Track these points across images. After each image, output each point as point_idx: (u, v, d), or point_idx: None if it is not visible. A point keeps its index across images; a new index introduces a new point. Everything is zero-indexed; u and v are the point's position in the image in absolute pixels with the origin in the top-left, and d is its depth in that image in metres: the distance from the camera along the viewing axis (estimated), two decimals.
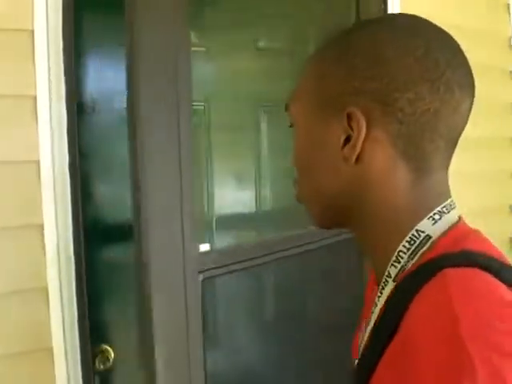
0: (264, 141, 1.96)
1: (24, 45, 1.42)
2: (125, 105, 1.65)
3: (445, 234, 0.65)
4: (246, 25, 1.91)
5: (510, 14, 2.30)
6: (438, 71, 0.63)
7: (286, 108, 0.78)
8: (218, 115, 1.85)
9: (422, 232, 0.65)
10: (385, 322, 0.63)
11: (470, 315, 0.53)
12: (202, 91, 1.83)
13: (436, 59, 0.64)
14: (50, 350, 1.50)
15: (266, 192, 2.00)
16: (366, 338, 0.71)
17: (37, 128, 1.44)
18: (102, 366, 1.67)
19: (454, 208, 0.68)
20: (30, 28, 1.42)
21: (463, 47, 0.68)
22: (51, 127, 1.45)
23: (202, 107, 1.84)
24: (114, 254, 1.72)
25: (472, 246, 0.63)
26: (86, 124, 1.62)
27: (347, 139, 0.67)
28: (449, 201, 0.68)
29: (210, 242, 1.69)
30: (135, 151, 1.21)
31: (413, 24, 0.68)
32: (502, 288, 0.57)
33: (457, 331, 0.51)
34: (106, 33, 1.65)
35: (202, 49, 1.82)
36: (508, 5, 2.33)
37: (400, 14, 0.73)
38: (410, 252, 0.66)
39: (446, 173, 0.70)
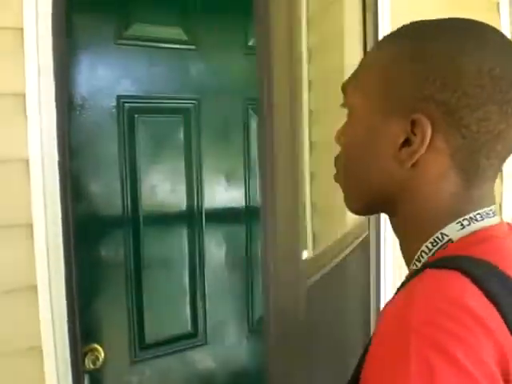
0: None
1: (13, 42, 1.41)
2: (113, 103, 1.67)
3: (464, 238, 0.66)
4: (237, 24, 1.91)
5: (499, 13, 2.31)
6: (509, 94, 0.63)
7: (343, 90, 0.76)
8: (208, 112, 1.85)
9: (446, 235, 0.67)
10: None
11: (423, 314, 0.54)
12: (193, 89, 1.83)
13: (510, 82, 0.63)
14: (39, 350, 1.48)
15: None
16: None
17: (26, 126, 1.43)
18: (91, 366, 1.66)
19: (490, 216, 0.68)
20: (20, 26, 1.40)
21: None
22: (41, 125, 1.44)
23: (193, 104, 1.84)
24: (105, 252, 1.71)
25: (474, 252, 0.63)
26: (76, 122, 1.61)
27: (405, 141, 0.67)
28: (485, 209, 0.68)
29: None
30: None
31: (494, 39, 0.67)
32: (472, 295, 0.57)
33: (406, 327, 0.54)
34: (96, 30, 1.64)
35: (192, 46, 1.82)
36: (498, 3, 2.33)
37: (479, 23, 0.69)
38: (430, 253, 0.67)
39: (493, 184, 0.70)
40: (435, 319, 0.54)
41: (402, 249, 0.74)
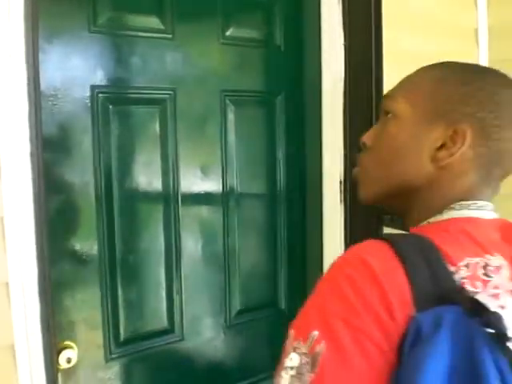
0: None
1: None
2: (87, 93, 1.61)
3: (433, 222, 0.85)
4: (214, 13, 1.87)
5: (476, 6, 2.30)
6: None
7: (389, 96, 0.93)
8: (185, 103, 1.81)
9: (429, 222, 0.86)
10: None
11: (339, 263, 0.75)
12: (169, 79, 1.79)
13: None
14: (12, 348, 1.44)
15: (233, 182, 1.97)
16: None
17: None
18: (66, 364, 1.61)
19: (470, 209, 0.84)
20: None
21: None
22: (11, 114, 1.39)
23: (169, 95, 1.80)
24: (78, 246, 1.66)
25: (423, 231, 0.80)
26: (48, 112, 1.56)
27: (440, 146, 0.84)
28: (469, 202, 0.84)
29: None
30: None
31: (502, 74, 0.88)
32: (380, 259, 0.72)
33: (328, 270, 0.75)
34: (69, 17, 1.59)
35: (169, 36, 1.77)
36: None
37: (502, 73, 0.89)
38: None
39: (493, 193, 0.88)
40: (343, 270, 0.73)
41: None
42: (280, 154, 2.07)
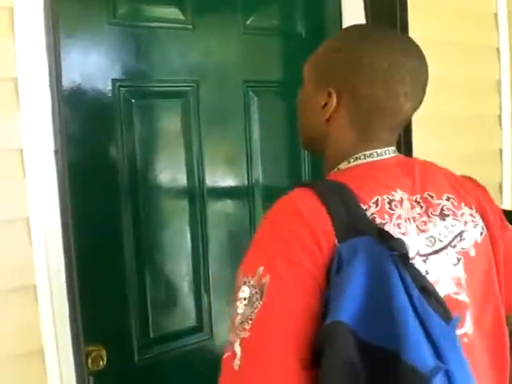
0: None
1: (3, 23, 1.31)
2: (109, 87, 1.57)
3: (342, 170, 0.99)
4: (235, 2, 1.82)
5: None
6: (391, 82, 0.94)
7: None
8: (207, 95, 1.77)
9: (339, 169, 1.00)
10: None
11: (274, 211, 0.89)
12: (191, 71, 1.74)
13: (392, 74, 0.94)
14: (41, 352, 1.40)
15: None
16: None
17: (19, 113, 1.33)
18: (95, 367, 1.57)
19: (373, 157, 0.98)
20: (10, 5, 1.31)
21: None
22: (34, 112, 1.35)
23: (191, 87, 1.75)
24: (105, 246, 1.61)
25: (338, 177, 0.95)
26: (70, 108, 1.51)
27: (325, 104, 0.99)
28: (370, 151, 0.98)
29: None
30: None
31: (395, 42, 0.98)
32: (307, 203, 0.87)
33: (265, 218, 0.90)
34: (88, 11, 1.54)
35: (189, 26, 1.72)
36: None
37: (391, 31, 1.06)
38: None
39: (388, 142, 1.00)
40: (277, 215, 0.88)
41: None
42: None
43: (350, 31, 1.07)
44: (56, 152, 1.39)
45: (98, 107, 1.57)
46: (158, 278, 1.72)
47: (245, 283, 0.83)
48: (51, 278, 1.39)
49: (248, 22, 1.84)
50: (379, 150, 0.99)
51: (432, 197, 0.97)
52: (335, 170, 1.00)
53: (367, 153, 0.98)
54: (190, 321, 1.82)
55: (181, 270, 1.78)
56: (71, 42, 1.50)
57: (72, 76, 1.51)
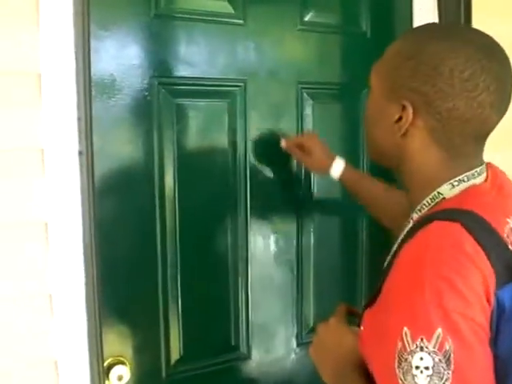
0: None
1: (26, 11, 1.21)
2: (147, 86, 1.45)
3: (456, 196, 0.89)
4: None
5: None
6: (475, 92, 0.84)
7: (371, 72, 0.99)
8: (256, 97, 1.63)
9: (441, 194, 0.91)
10: (397, 251, 0.87)
11: (435, 254, 0.77)
12: (240, 69, 1.61)
13: (477, 83, 0.84)
14: (55, 364, 1.31)
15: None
16: (385, 264, 0.97)
17: (41, 110, 1.24)
18: (116, 381, 1.47)
19: (475, 177, 0.91)
20: None
21: None
22: (58, 109, 1.25)
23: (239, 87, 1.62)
24: (133, 253, 1.51)
25: (469, 206, 0.84)
26: (102, 107, 1.41)
27: (399, 119, 0.91)
28: (472, 172, 0.91)
29: None
30: None
31: (477, 46, 0.86)
32: (468, 241, 0.78)
33: (422, 261, 0.77)
34: (128, 1, 1.43)
35: (240, 21, 1.59)
36: None
37: (474, 34, 0.90)
38: (430, 206, 0.92)
39: (478, 156, 0.94)
40: (444, 260, 0.76)
41: (407, 200, 1.00)
42: (364, 155, 1.84)
43: (423, 32, 0.93)
44: (80, 153, 1.29)
45: (133, 107, 1.45)
46: (191, 290, 1.60)
47: (422, 349, 0.73)
48: (69, 287, 1.31)
49: (306, 18, 1.69)
50: (478, 169, 0.92)
51: None
52: (434, 193, 0.92)
53: (469, 174, 0.91)
54: (226, 338, 1.69)
55: (217, 283, 1.66)
56: (105, 35, 1.39)
57: (104, 72, 1.40)
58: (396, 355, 0.75)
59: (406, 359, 0.74)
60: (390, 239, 1.92)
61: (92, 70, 1.32)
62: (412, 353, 0.73)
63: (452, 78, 0.84)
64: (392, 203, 1.44)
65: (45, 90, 1.24)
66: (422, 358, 0.73)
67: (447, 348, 0.72)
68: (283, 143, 1.62)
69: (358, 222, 1.90)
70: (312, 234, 1.80)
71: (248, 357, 1.73)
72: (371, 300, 0.90)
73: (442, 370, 0.72)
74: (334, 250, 1.88)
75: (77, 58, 1.26)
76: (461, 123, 0.87)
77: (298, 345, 1.82)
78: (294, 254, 1.78)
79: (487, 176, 0.94)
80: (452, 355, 0.72)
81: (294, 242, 1.78)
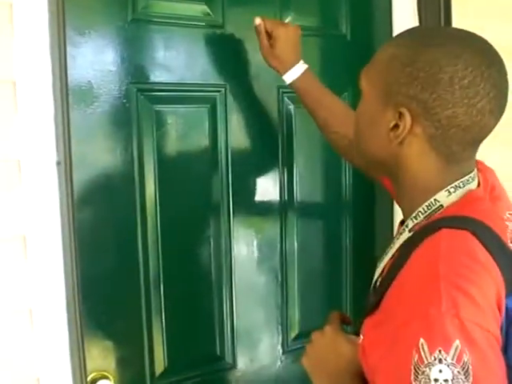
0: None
1: (1, 20, 1.17)
2: (125, 92, 1.42)
3: (454, 202, 0.88)
4: None
5: None
6: (475, 99, 0.82)
7: (360, 76, 0.96)
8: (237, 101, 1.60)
9: (438, 201, 0.89)
10: (399, 260, 0.85)
11: (448, 262, 0.76)
12: (219, 74, 1.58)
13: (477, 91, 0.82)
14: (37, 380, 1.27)
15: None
16: (381, 267, 0.98)
17: (17, 120, 1.20)
18: None
19: (469, 183, 0.90)
20: (9, 1, 1.17)
21: None
22: (34, 118, 1.21)
23: (219, 92, 1.59)
24: (116, 269, 1.47)
25: (470, 213, 0.84)
26: (79, 115, 1.37)
27: (394, 126, 0.88)
28: (466, 177, 0.90)
29: None
30: None
31: (475, 52, 0.84)
32: (480, 250, 0.78)
33: (436, 271, 0.75)
34: (105, 5, 1.40)
35: (219, 24, 1.56)
36: None
37: (470, 39, 0.87)
38: (426, 214, 0.90)
39: (472, 160, 0.92)
40: (458, 269, 0.75)
41: (401, 206, 0.98)
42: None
43: (418, 37, 0.90)
44: (58, 164, 1.25)
45: (112, 114, 1.42)
46: (174, 301, 1.56)
47: (440, 361, 0.72)
48: (49, 302, 1.26)
49: (286, 21, 1.66)
50: (472, 174, 0.91)
51: None
52: (431, 200, 0.90)
53: (464, 179, 0.90)
54: (210, 348, 1.66)
55: (200, 292, 1.63)
56: (81, 41, 1.35)
57: (81, 79, 1.36)
58: (412, 367, 0.73)
59: (423, 372, 0.72)
60: (375, 244, 1.94)
61: (69, 77, 1.29)
62: (430, 365, 0.72)
63: (452, 85, 0.82)
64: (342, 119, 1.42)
65: (20, 99, 1.20)
66: (440, 371, 0.71)
67: (465, 360, 0.71)
68: (257, 21, 1.46)
69: (342, 226, 1.88)
70: (296, 239, 1.78)
71: (233, 366, 1.70)
72: (372, 308, 0.88)
73: (461, 382, 0.71)
74: (318, 255, 1.86)
75: (53, 65, 1.22)
76: (460, 130, 0.85)
77: (284, 352, 1.80)
78: (277, 260, 1.76)
79: (479, 180, 0.94)
80: (470, 367, 0.71)
81: (278, 247, 1.76)
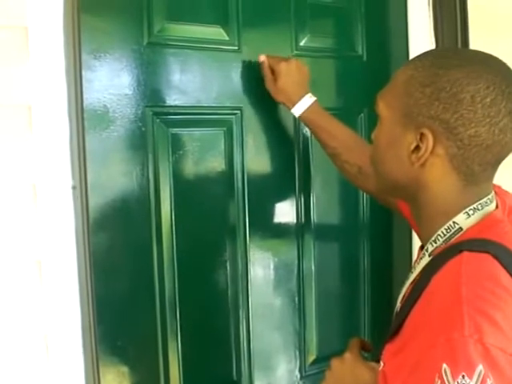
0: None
1: (16, 44, 1.18)
2: (141, 115, 1.41)
3: (474, 225, 0.88)
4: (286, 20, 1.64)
5: None
6: (497, 118, 0.83)
7: (375, 102, 0.96)
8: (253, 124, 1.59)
9: (457, 224, 0.89)
10: (420, 284, 0.84)
11: (471, 286, 0.75)
12: (235, 97, 1.57)
13: (499, 109, 0.82)
14: None
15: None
16: (402, 293, 0.97)
17: (32, 144, 1.20)
18: None
19: (488, 205, 0.90)
20: (24, 24, 1.17)
21: None
22: (50, 142, 1.21)
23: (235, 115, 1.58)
24: (130, 289, 1.46)
25: (491, 236, 0.84)
26: (95, 139, 1.36)
27: (415, 148, 0.88)
28: (484, 199, 0.89)
29: None
30: None
31: (494, 72, 0.85)
32: (503, 273, 0.78)
33: (459, 295, 0.74)
34: (120, 29, 1.39)
35: (235, 47, 1.56)
36: None
37: (489, 60, 0.88)
38: (445, 237, 0.90)
39: (490, 181, 0.93)
40: (481, 293, 0.75)
41: (419, 230, 0.98)
42: None
43: (436, 58, 0.90)
44: (74, 188, 1.25)
45: (128, 138, 1.41)
46: (191, 324, 1.54)
47: None
48: (64, 327, 1.25)
49: (301, 43, 1.66)
50: (490, 196, 0.91)
51: None
52: (450, 223, 0.90)
53: (482, 201, 0.90)
54: (227, 372, 1.64)
55: (217, 316, 1.61)
56: (97, 65, 1.35)
57: (97, 103, 1.35)
58: None
59: None
60: (393, 267, 1.91)
61: (84, 100, 1.29)
62: None
63: (474, 104, 0.82)
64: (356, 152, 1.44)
65: (36, 123, 1.20)
66: None
67: None
68: (261, 58, 1.52)
69: (360, 249, 1.86)
70: (313, 262, 1.76)
71: None
72: (392, 334, 0.87)
73: None
74: (336, 278, 1.84)
75: (68, 89, 1.23)
76: (482, 149, 0.85)
77: (302, 377, 1.77)
78: (294, 283, 1.74)
79: (497, 203, 0.94)
80: None
81: (295, 270, 1.73)
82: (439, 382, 0.71)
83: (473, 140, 0.84)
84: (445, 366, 0.71)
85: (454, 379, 0.70)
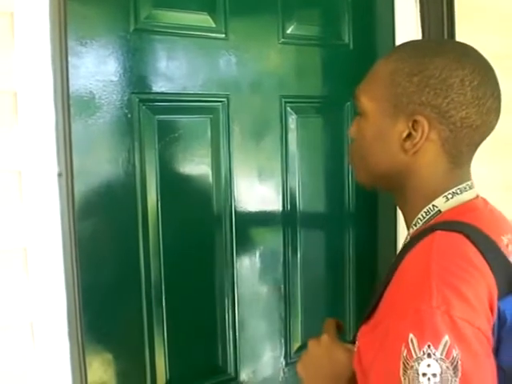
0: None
1: (2, 30, 1.16)
2: (127, 102, 1.41)
3: (452, 208, 0.90)
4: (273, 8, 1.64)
5: None
6: (484, 99, 0.87)
7: (355, 97, 0.97)
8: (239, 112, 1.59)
9: (436, 206, 0.91)
10: (395, 264, 0.84)
11: (440, 262, 0.78)
12: (222, 84, 1.57)
13: (485, 91, 0.87)
14: None
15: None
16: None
17: (18, 130, 1.19)
18: None
19: (466, 191, 0.92)
20: (10, 9, 1.16)
21: None
22: (36, 128, 1.20)
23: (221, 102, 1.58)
24: (118, 282, 1.46)
25: (466, 219, 0.86)
26: (80, 125, 1.36)
27: (407, 136, 0.89)
28: (464, 184, 0.92)
29: None
30: None
31: (474, 57, 0.90)
32: (473, 251, 0.80)
33: (428, 269, 0.76)
34: (107, 16, 1.39)
35: (221, 35, 1.55)
36: None
37: (466, 47, 0.92)
38: (424, 220, 0.92)
39: (470, 164, 0.94)
40: (450, 268, 0.77)
41: (404, 216, 0.98)
42: (349, 170, 1.81)
43: (419, 49, 0.93)
44: (59, 175, 1.24)
45: (114, 124, 1.41)
46: (177, 312, 1.55)
47: (429, 356, 0.72)
48: (50, 314, 1.25)
49: (288, 31, 1.66)
50: (469, 183, 0.94)
51: None
52: (429, 206, 0.92)
53: (461, 187, 0.92)
54: (212, 360, 1.65)
55: (203, 304, 1.62)
56: (83, 51, 1.34)
57: (83, 89, 1.35)
58: (401, 363, 0.73)
59: (412, 366, 0.72)
60: (378, 254, 1.93)
61: (70, 87, 1.28)
62: (419, 359, 0.72)
63: (463, 88, 0.86)
64: None
65: (21, 109, 1.19)
66: (429, 365, 0.71)
67: (454, 355, 0.71)
68: None
69: (345, 236, 1.87)
70: (299, 249, 1.77)
71: (236, 378, 1.69)
72: (367, 316, 0.88)
73: (450, 378, 0.71)
74: (321, 266, 1.85)
75: (54, 75, 1.22)
76: (471, 130, 0.88)
77: (287, 364, 1.78)
78: (280, 270, 1.75)
79: (478, 194, 0.95)
80: (459, 362, 0.71)
81: (281, 258, 1.75)
82: (405, 351, 0.72)
83: (464, 122, 0.87)
84: (411, 335, 0.72)
85: (419, 348, 0.72)
